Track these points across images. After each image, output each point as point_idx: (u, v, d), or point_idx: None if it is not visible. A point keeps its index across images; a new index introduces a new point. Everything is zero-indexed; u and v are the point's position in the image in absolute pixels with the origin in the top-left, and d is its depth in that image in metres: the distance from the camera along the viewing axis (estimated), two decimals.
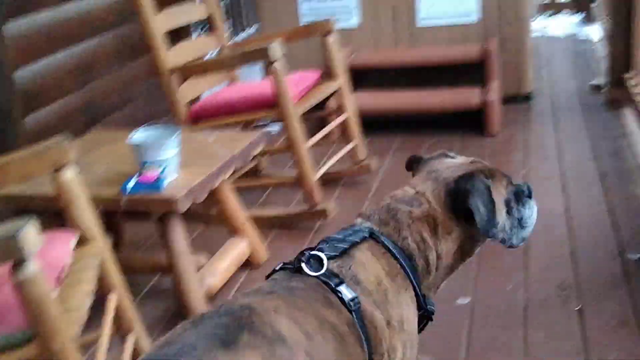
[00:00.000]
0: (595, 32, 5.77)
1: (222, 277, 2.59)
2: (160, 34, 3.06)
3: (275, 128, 4.19)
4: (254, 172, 3.60)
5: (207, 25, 3.67)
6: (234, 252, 2.67)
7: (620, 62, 4.13)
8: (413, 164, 1.76)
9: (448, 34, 4.34)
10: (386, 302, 1.46)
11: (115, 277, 1.96)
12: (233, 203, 2.70)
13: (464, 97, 4.02)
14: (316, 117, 3.68)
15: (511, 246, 1.64)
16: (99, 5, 3.63)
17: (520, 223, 1.64)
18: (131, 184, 2.28)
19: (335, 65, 3.36)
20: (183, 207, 2.24)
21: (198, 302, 2.37)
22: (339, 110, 3.45)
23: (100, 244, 1.90)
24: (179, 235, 2.36)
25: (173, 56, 3.15)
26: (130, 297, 2.06)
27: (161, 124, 2.47)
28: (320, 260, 1.45)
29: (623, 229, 2.86)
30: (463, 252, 1.60)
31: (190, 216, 3.03)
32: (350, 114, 3.42)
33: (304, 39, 3.64)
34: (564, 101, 4.43)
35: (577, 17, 6.58)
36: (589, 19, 6.32)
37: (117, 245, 2.60)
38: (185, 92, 3.17)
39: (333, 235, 1.53)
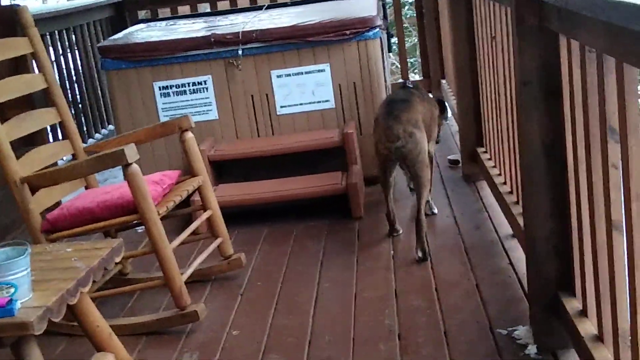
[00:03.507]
0: (448, 108, 6.00)
1: None
2: (6, 143, 2.93)
3: (142, 228, 4.07)
4: (119, 276, 3.46)
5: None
6: None
7: (472, 137, 4.30)
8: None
9: (307, 121, 4.40)
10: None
11: None
12: (95, 316, 2.55)
13: (327, 182, 4.06)
14: (182, 214, 3.60)
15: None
16: None
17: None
18: None
19: (195, 162, 3.31)
20: (39, 329, 2.09)
21: None
22: (203, 206, 3.39)
23: None
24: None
25: (24, 165, 3.01)
26: None
27: (10, 242, 2.32)
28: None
29: (491, 304, 2.91)
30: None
31: (52, 331, 2.87)
32: (214, 210, 3.37)
33: (162, 137, 3.58)
34: None
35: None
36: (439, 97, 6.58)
37: None
38: (40, 201, 3.02)
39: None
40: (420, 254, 3.38)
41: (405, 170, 3.72)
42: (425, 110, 3.67)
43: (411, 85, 3.93)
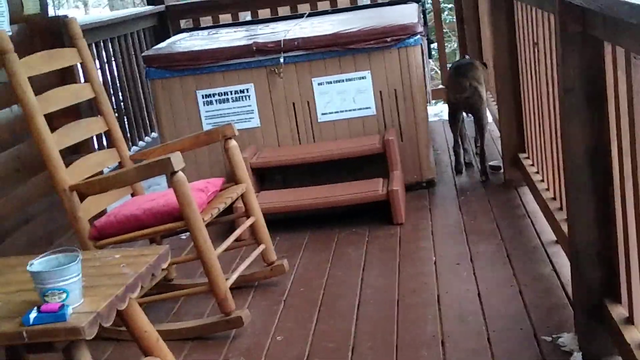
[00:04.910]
0: (489, 113, 5.98)
1: None
2: (56, 153, 3.00)
3: (186, 234, 4.12)
4: (164, 282, 3.51)
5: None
6: None
7: (514, 143, 4.28)
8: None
9: (348, 128, 4.43)
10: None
11: None
12: (142, 321, 2.60)
13: (368, 188, 4.08)
14: (226, 221, 3.65)
15: None
16: None
17: None
18: (33, 314, 2.17)
19: (238, 169, 3.35)
20: (90, 334, 2.14)
21: None
22: (247, 213, 3.43)
23: None
24: None
25: (72, 173, 3.08)
26: None
27: (62, 248, 2.38)
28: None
29: (535, 310, 2.90)
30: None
31: (100, 335, 2.93)
32: (257, 217, 3.40)
33: (207, 145, 3.63)
34: (466, 184, 4.54)
35: None
36: None
37: None
38: (87, 208, 3.09)
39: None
40: (483, 178, 4.49)
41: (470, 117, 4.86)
42: (483, 73, 4.72)
43: (469, 57, 5.61)
